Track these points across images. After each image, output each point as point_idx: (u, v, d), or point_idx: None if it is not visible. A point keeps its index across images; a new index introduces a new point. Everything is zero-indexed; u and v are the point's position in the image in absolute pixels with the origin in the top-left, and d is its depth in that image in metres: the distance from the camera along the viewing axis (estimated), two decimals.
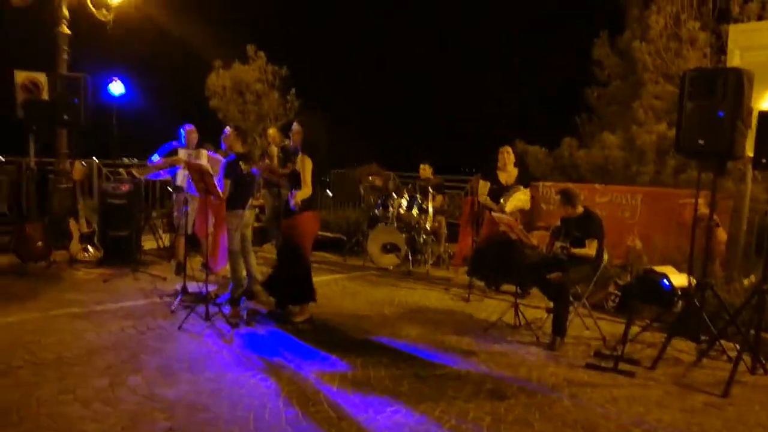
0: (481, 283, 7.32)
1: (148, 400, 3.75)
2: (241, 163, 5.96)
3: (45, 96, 7.86)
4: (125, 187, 7.74)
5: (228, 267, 6.04)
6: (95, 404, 3.66)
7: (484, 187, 7.24)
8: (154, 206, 9.69)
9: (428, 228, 8.56)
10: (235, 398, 3.84)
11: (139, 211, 8.00)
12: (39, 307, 5.57)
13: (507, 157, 7.15)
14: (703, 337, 5.23)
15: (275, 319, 5.52)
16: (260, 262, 7.11)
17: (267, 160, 6.69)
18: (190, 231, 6.71)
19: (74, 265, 7.32)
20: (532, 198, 7.53)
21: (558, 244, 5.55)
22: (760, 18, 7.60)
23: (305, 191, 5.39)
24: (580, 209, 5.57)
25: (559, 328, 5.29)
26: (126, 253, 7.60)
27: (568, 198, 5.57)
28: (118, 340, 4.81)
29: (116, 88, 8.38)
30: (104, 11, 8.73)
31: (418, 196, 8.53)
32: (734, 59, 6.78)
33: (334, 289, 7.05)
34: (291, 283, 5.54)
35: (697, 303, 5.19)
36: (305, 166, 5.40)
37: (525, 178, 7.27)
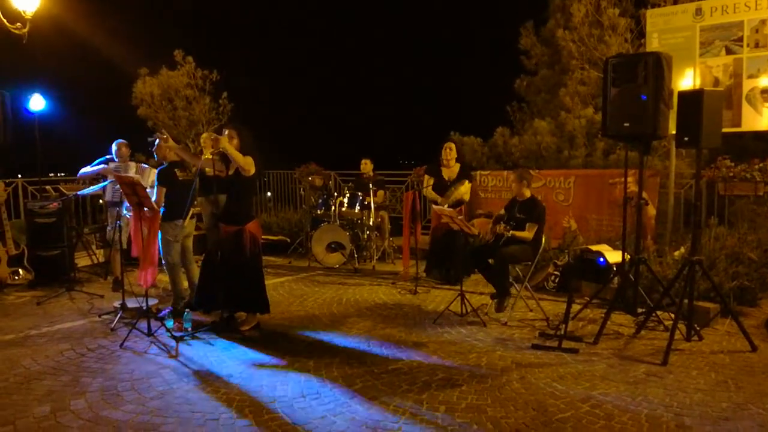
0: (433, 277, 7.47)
1: (94, 424, 3.60)
2: (176, 170, 5.80)
3: None
4: (54, 205, 7.42)
5: (168, 279, 5.89)
6: None
7: (428, 181, 7.49)
8: (86, 221, 9.33)
9: (371, 224, 8.58)
10: (185, 414, 3.74)
11: (70, 229, 7.68)
12: None
13: (449, 153, 7.42)
14: (640, 310, 5.47)
15: (221, 329, 5.40)
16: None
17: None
18: (125, 246, 6.50)
19: (4, 290, 6.96)
20: (471, 188, 7.71)
21: (500, 226, 5.73)
22: (675, 2, 7.96)
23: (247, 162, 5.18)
24: (527, 193, 5.79)
25: (502, 288, 5.59)
26: (59, 273, 7.29)
27: (521, 175, 5.86)
28: (58, 365, 4.61)
29: (37, 103, 8.00)
30: (18, 25, 8.29)
31: (359, 193, 8.53)
32: (653, 43, 7.08)
33: (281, 292, 6.98)
34: (244, 292, 5.34)
35: (632, 278, 5.42)
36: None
37: (466, 174, 7.49)
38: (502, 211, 5.98)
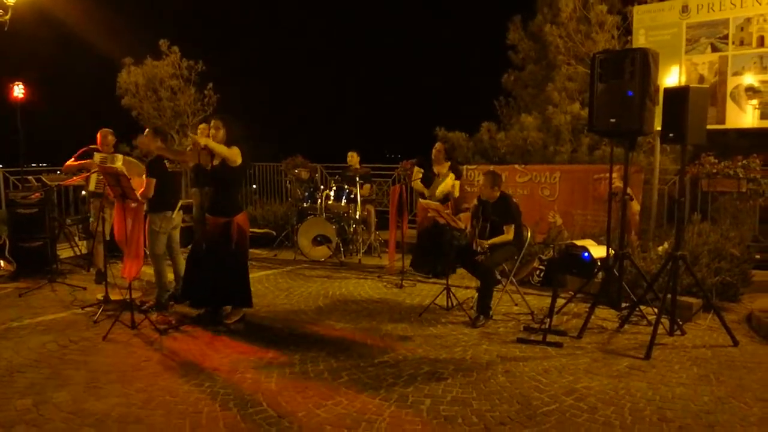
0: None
1: (76, 417, 3.57)
2: (165, 162, 5.74)
3: None
4: (36, 195, 7.32)
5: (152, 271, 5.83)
6: (19, 426, 3.46)
7: (417, 173, 7.49)
8: (69, 212, 9.21)
9: (357, 217, 8.57)
10: (169, 406, 3.71)
11: (52, 220, 7.58)
12: None
13: (436, 154, 7.44)
14: (623, 305, 5.51)
15: (206, 322, 5.37)
16: None
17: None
18: (108, 237, 6.43)
19: None
20: (459, 184, 7.72)
21: (478, 242, 5.66)
22: None
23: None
24: (496, 193, 5.75)
25: (483, 306, 5.47)
26: (41, 264, 7.19)
27: (494, 180, 5.74)
28: (40, 357, 4.56)
29: (18, 92, 7.87)
30: (0, 12, 8.16)
31: (345, 186, 8.51)
32: (639, 39, 7.12)
33: (267, 285, 6.95)
34: (228, 285, 5.32)
35: (616, 273, 5.46)
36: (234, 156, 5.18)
37: (455, 170, 7.48)
38: (476, 202, 5.96)
